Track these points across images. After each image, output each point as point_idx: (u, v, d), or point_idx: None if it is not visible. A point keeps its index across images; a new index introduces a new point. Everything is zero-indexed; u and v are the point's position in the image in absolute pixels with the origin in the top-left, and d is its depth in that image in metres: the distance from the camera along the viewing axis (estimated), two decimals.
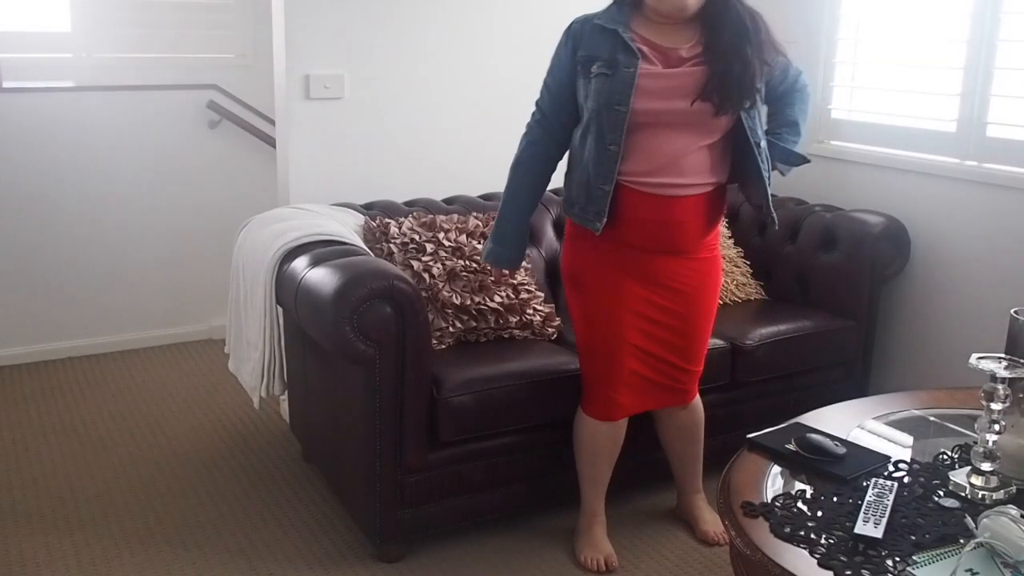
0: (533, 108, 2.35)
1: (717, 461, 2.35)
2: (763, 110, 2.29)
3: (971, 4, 2.87)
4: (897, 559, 1.51)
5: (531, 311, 2.73)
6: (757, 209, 2.36)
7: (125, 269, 4.04)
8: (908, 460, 1.89)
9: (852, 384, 3.05)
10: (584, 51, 2.21)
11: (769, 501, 1.72)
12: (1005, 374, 1.69)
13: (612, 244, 2.27)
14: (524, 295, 2.74)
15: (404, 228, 2.78)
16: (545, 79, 2.32)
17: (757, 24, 2.18)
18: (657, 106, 2.16)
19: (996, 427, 1.72)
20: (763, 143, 2.26)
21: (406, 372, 2.33)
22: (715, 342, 2.67)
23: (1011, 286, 2.81)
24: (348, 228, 2.76)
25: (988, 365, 1.72)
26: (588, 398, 2.42)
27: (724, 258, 3.19)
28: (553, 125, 2.31)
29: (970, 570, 1.48)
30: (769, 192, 2.28)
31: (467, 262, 2.73)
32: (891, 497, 1.69)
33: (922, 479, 1.81)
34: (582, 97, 2.24)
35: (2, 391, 3.60)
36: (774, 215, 2.33)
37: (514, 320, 2.70)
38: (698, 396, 2.52)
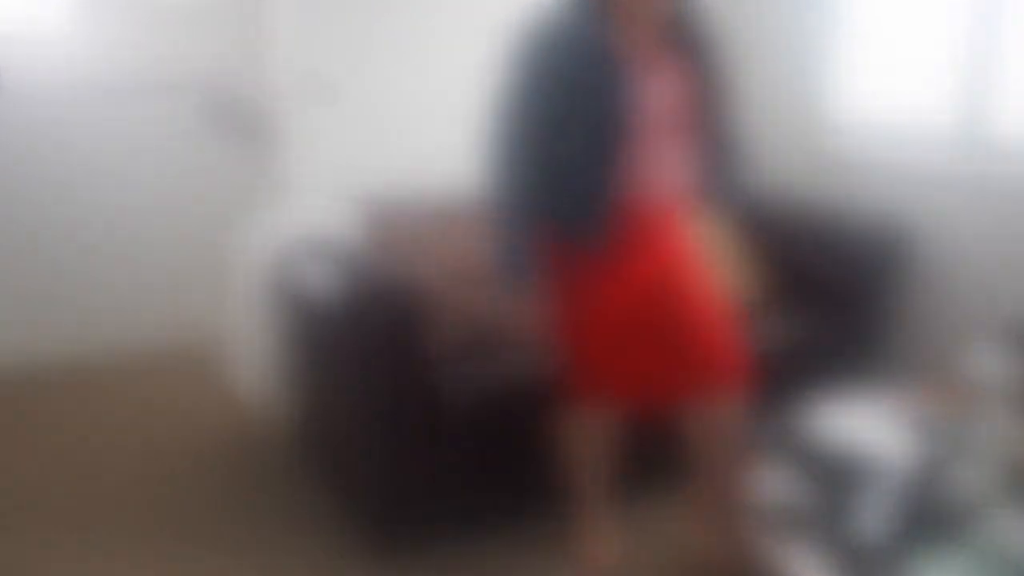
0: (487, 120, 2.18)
1: None
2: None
3: (971, 4, 2.87)
4: (897, 559, 1.51)
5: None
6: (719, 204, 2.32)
7: (124, 268, 4.04)
8: (908, 460, 1.89)
9: (853, 383, 3.05)
10: (562, 60, 2.10)
11: (769, 501, 1.72)
12: (1005, 374, 1.69)
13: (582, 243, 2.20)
14: None
15: (405, 227, 2.78)
16: (516, 86, 2.16)
17: (716, 36, 2.21)
18: (652, 115, 2.13)
19: (996, 427, 1.72)
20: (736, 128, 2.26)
21: (406, 372, 2.33)
22: None
23: (1011, 286, 2.81)
24: (348, 228, 2.76)
25: (988, 365, 1.72)
26: (577, 388, 2.36)
27: (725, 258, 3.20)
28: (526, 131, 2.17)
29: (970, 570, 1.48)
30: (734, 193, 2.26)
31: (467, 262, 2.73)
32: (891, 497, 1.69)
33: (922, 479, 1.81)
34: (563, 110, 2.12)
35: (1, 393, 3.60)
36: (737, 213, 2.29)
37: (515, 320, 2.70)
38: (739, 403, 2.33)
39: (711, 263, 2.43)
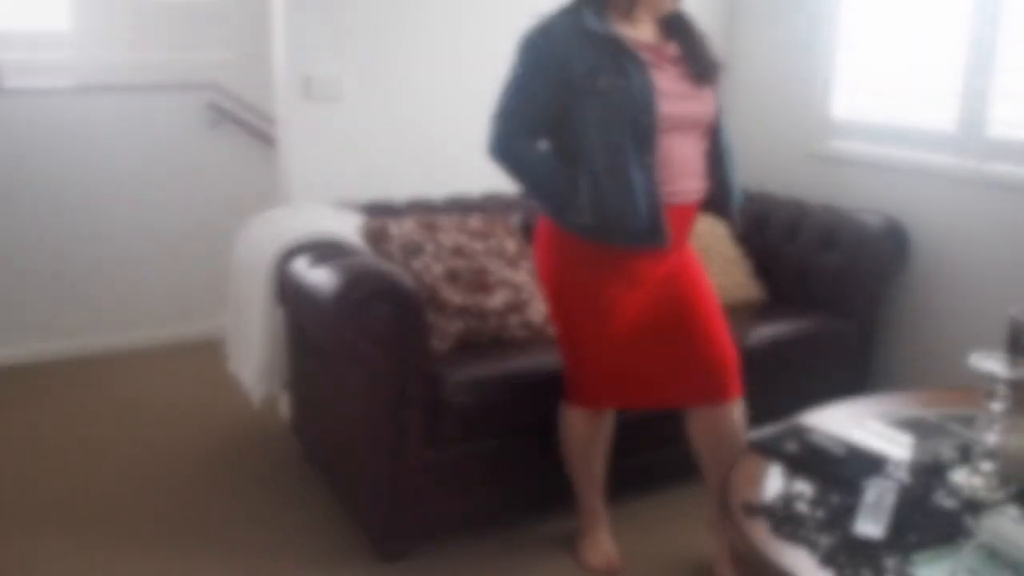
0: (495, 132, 2.17)
1: None
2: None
3: (971, 4, 2.87)
4: (897, 559, 1.51)
5: (532, 311, 2.73)
6: (718, 209, 2.30)
7: (125, 269, 4.04)
8: (908, 460, 1.89)
9: (852, 384, 3.05)
10: (581, 64, 2.06)
11: (769, 501, 1.72)
12: (1005, 374, 1.69)
13: (598, 249, 2.18)
14: (524, 295, 2.74)
15: (404, 228, 2.78)
16: (521, 93, 2.13)
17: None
18: (677, 109, 2.11)
19: (996, 427, 1.72)
20: (732, 148, 2.25)
21: (406, 372, 2.33)
22: None
23: (1011, 286, 2.81)
24: (348, 228, 2.76)
25: (988, 365, 1.71)
26: (578, 389, 2.36)
27: (725, 258, 3.20)
28: (536, 137, 2.17)
29: (970, 570, 1.48)
30: (733, 197, 2.25)
31: (467, 262, 2.73)
32: (891, 497, 1.68)
33: (922, 479, 1.81)
34: (586, 116, 2.07)
35: (2, 391, 3.60)
36: (736, 217, 2.29)
37: (515, 320, 2.70)
38: (740, 401, 2.33)
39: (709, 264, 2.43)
